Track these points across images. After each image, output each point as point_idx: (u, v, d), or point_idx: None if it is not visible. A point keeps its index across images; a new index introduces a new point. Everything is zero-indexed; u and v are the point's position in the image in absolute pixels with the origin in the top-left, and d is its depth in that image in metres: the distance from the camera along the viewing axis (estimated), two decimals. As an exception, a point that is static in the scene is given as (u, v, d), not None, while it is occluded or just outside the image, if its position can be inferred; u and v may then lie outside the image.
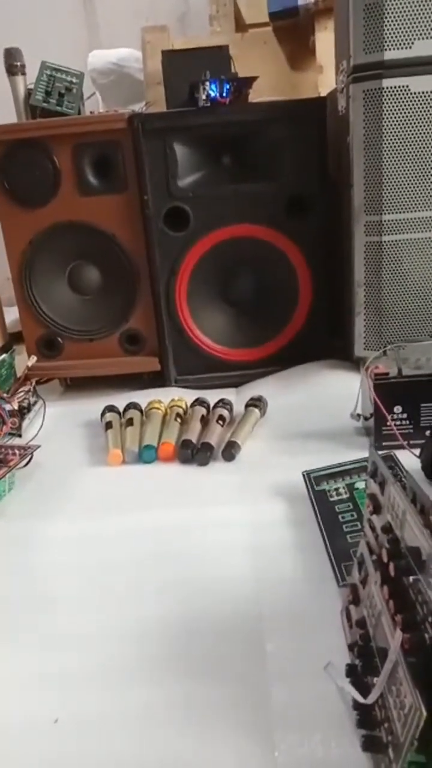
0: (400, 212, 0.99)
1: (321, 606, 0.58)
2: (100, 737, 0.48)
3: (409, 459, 0.78)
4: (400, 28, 0.91)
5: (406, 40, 0.91)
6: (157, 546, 0.72)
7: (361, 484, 0.73)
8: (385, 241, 1.01)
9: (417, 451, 0.79)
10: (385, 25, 0.91)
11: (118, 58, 1.66)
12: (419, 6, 0.90)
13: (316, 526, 0.69)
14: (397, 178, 0.98)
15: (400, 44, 0.92)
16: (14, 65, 1.15)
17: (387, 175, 0.98)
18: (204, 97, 1.02)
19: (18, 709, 0.52)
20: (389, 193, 0.99)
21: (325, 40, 1.50)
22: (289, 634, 0.56)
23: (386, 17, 0.90)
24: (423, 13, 0.90)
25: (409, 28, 0.91)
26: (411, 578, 0.44)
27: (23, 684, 0.54)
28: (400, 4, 0.89)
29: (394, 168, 0.97)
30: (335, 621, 0.56)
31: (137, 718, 0.50)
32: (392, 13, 0.90)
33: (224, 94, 1.03)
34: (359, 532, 0.64)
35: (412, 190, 0.98)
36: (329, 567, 0.63)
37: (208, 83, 1.02)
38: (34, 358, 1.21)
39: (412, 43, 0.92)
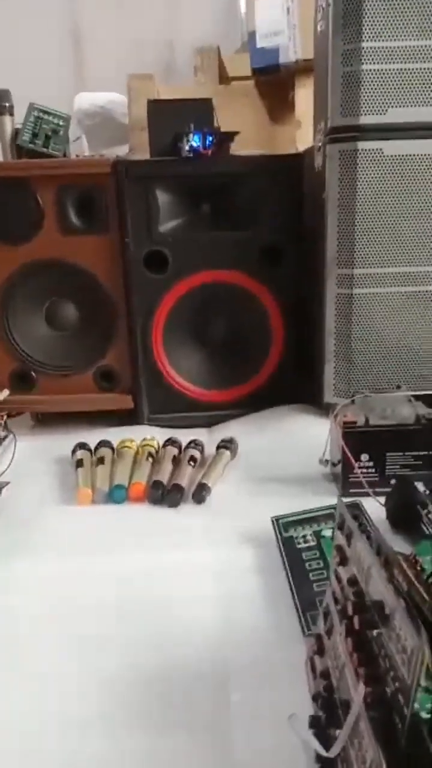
0: (370, 267, 1.03)
1: (286, 655, 0.59)
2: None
3: (375, 507, 0.80)
4: (376, 96, 0.96)
5: (381, 107, 0.97)
6: (123, 590, 0.71)
7: (327, 532, 0.74)
8: (355, 294, 1.05)
9: (382, 499, 0.82)
10: (362, 93, 0.96)
11: (105, 102, 1.71)
12: (393, 77, 0.95)
13: (283, 572, 0.71)
14: (369, 234, 1.02)
15: (375, 110, 0.97)
16: (3, 106, 1.17)
17: (359, 232, 1.02)
18: (187, 147, 1.06)
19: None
20: (361, 248, 1.03)
21: (304, 96, 1.57)
22: (255, 683, 0.57)
23: (363, 85, 0.95)
24: (396, 84, 0.95)
25: (383, 96, 0.96)
26: (375, 632, 0.45)
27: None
28: (376, 74, 0.95)
29: (367, 225, 1.02)
30: (300, 671, 0.57)
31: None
32: (368, 82, 0.95)
33: (207, 146, 1.07)
34: (325, 581, 0.66)
35: (383, 247, 1.03)
36: (295, 616, 0.64)
37: (191, 135, 1.06)
38: (6, 392, 1.21)
39: (386, 110, 0.97)
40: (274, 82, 1.66)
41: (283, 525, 0.78)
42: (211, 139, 1.07)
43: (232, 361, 1.23)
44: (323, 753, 0.44)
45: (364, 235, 1.02)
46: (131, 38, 1.99)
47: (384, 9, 0.93)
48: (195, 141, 1.06)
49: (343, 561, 0.53)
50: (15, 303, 1.18)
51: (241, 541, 0.80)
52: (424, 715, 0.42)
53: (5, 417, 1.15)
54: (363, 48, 0.94)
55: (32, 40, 1.88)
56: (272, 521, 0.79)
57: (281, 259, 1.15)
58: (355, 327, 1.06)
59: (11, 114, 1.19)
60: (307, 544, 0.73)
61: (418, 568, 0.63)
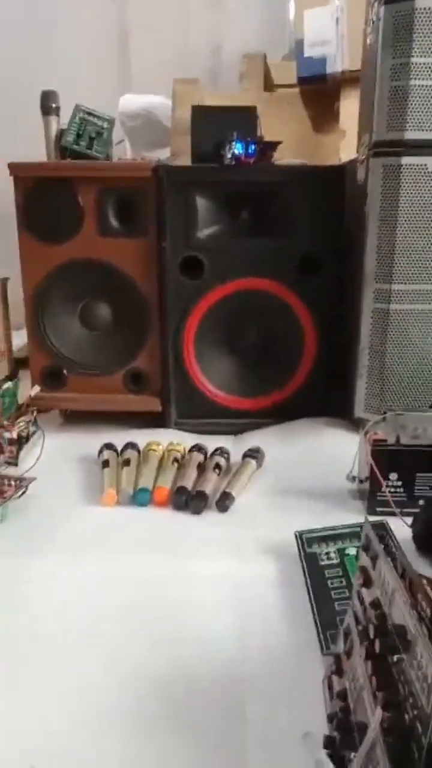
0: (409, 283, 1.02)
1: (304, 672, 0.59)
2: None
3: (401, 527, 0.79)
4: (423, 112, 0.95)
5: (428, 123, 0.96)
6: (143, 594, 0.72)
7: (352, 550, 0.73)
8: (392, 310, 1.04)
9: (409, 520, 0.81)
10: (409, 108, 0.95)
11: (149, 104, 1.72)
12: (442, 93, 0.95)
13: (304, 588, 0.70)
14: (409, 250, 1.01)
15: (421, 126, 0.96)
16: (50, 106, 1.19)
17: (400, 247, 1.01)
18: (229, 155, 1.06)
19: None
20: (400, 263, 1.02)
21: (349, 106, 1.56)
22: (270, 698, 0.56)
23: (410, 100, 0.95)
24: (445, 100, 0.95)
25: (431, 112, 0.95)
26: (395, 657, 0.44)
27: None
28: (424, 90, 0.94)
29: (407, 240, 1.01)
30: (317, 689, 0.56)
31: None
32: (416, 97, 0.95)
33: (249, 154, 1.07)
34: (347, 600, 0.65)
35: (423, 263, 1.02)
36: (315, 632, 0.63)
37: (234, 143, 1.06)
38: (37, 388, 1.22)
39: (433, 126, 0.96)
40: (319, 91, 1.65)
41: (306, 540, 0.77)
42: (253, 147, 1.07)
43: (263, 370, 1.22)
44: (337, 776, 0.44)
45: (405, 250, 1.01)
46: (178, 42, 2.01)
47: (435, 24, 0.92)
48: (238, 149, 1.07)
49: (367, 583, 0.52)
50: (51, 301, 1.19)
51: (262, 553, 0.79)
52: (443, 745, 0.41)
53: (35, 413, 1.17)
54: (412, 63, 0.93)
55: (80, 41, 1.91)
56: (296, 535, 0.78)
57: (318, 271, 1.14)
58: (390, 343, 1.05)
59: (57, 115, 1.21)
60: (330, 562, 0.73)
61: (443, 593, 0.62)
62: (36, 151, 1.23)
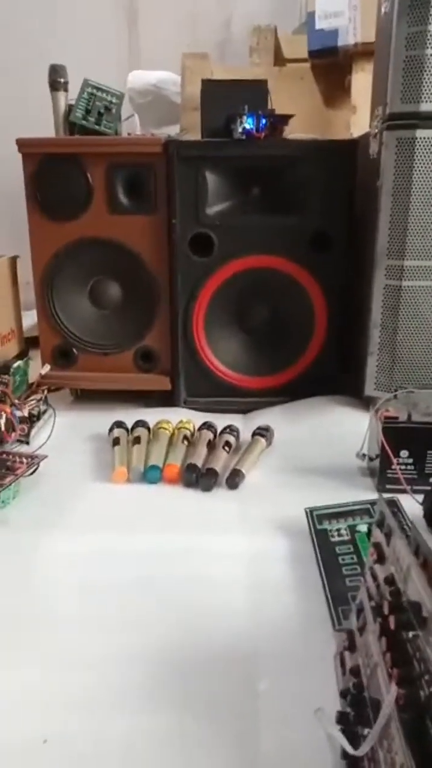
0: (422, 259, 1.01)
1: (315, 648, 0.59)
2: (85, 761, 0.49)
3: (412, 504, 0.79)
4: (438, 83, 0.93)
5: (444, 94, 0.94)
6: (154, 570, 0.72)
7: (362, 527, 0.73)
8: (404, 286, 1.02)
9: (420, 497, 0.80)
10: (424, 78, 0.93)
11: (157, 80, 1.69)
12: (458, 63, 0.92)
13: (314, 564, 0.70)
14: (422, 225, 0.99)
15: (436, 97, 0.94)
16: (58, 81, 1.18)
17: (413, 222, 0.99)
18: (240, 129, 1.05)
19: (2, 727, 0.52)
20: (413, 239, 1.00)
21: (360, 81, 1.53)
22: (282, 673, 0.56)
23: (425, 71, 0.92)
24: (462, 70, 0.92)
25: (447, 82, 0.93)
26: (410, 633, 0.44)
27: (8, 702, 0.54)
28: (441, 59, 0.92)
29: (420, 216, 0.99)
30: (328, 664, 0.56)
31: (122, 746, 0.50)
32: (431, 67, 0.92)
33: (260, 129, 1.05)
34: (358, 576, 0.65)
35: (436, 239, 1.00)
36: (326, 608, 0.63)
37: (245, 117, 1.04)
38: (47, 367, 1.22)
39: (449, 97, 0.94)
40: (330, 65, 1.61)
41: (317, 517, 0.77)
42: (264, 121, 1.05)
43: (272, 349, 1.22)
44: (351, 751, 0.44)
45: (418, 225, 0.99)
46: (187, 15, 1.97)
47: (453, -9, 0.90)
48: (248, 123, 1.05)
49: (381, 559, 0.52)
50: (60, 280, 1.19)
51: (273, 530, 0.79)
52: (459, 722, 0.41)
53: (46, 391, 1.17)
54: (429, 31, 0.91)
55: (88, 15, 1.87)
56: (306, 512, 0.78)
57: (329, 248, 1.13)
58: (402, 320, 1.04)
59: (66, 90, 1.19)
60: (341, 538, 0.72)
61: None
62: (44, 127, 1.21)
